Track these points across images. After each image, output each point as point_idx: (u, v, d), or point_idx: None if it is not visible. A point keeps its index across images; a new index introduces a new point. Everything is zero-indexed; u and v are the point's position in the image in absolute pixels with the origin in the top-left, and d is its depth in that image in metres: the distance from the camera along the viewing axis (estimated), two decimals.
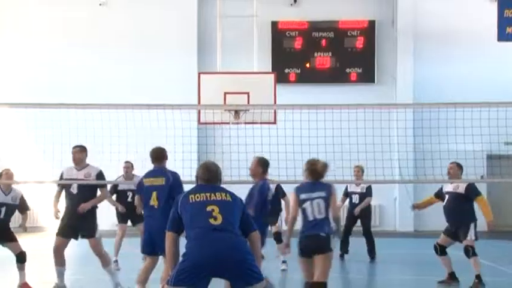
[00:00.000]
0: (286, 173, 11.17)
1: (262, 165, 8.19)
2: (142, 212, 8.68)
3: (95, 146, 12.93)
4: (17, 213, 9.83)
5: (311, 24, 19.44)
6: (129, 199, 11.83)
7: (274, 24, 19.34)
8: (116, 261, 11.47)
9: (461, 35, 19.09)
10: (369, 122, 11.59)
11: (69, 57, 18.92)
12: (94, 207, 9.31)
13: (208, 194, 5.56)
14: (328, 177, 10.51)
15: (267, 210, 8.04)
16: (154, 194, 8.25)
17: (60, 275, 9.15)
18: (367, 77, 19.45)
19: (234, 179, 10.62)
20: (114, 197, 12.02)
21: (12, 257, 9.72)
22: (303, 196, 7.34)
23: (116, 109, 11.51)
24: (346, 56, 19.41)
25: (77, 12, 19.14)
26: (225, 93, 12.23)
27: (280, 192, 11.36)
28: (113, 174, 11.58)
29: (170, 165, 10.57)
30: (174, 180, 8.36)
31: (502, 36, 15.35)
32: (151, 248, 8.25)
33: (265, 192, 7.89)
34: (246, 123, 12.04)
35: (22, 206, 9.87)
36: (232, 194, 5.70)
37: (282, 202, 11.55)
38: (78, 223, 9.09)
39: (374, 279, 11.67)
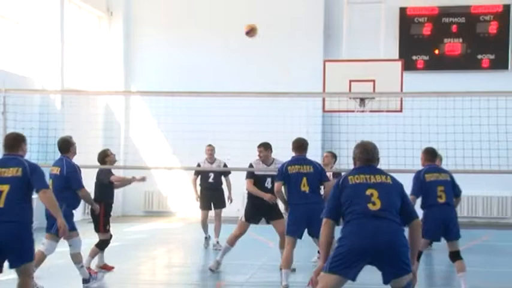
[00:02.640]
0: (413, 162, 10.93)
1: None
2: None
3: (222, 133, 13.27)
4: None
5: (441, 9, 18.83)
6: (211, 180, 12.34)
7: (402, 10, 18.90)
8: (206, 237, 12.33)
9: None
10: (502, 110, 11.10)
11: (197, 45, 19.33)
12: None
13: (367, 176, 5.31)
14: (458, 167, 10.25)
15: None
16: (304, 179, 8.35)
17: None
18: (500, 63, 18.61)
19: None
20: (199, 179, 12.44)
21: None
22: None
23: (241, 97, 11.70)
24: (478, 42, 18.66)
25: (204, 4, 19.51)
26: (350, 81, 12.13)
27: None
28: (242, 161, 11.76)
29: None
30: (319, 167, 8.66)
31: None
32: (298, 228, 8.33)
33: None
34: (371, 111, 11.88)
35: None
36: (392, 177, 5.41)
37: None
38: None
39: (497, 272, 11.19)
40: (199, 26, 19.37)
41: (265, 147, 9.79)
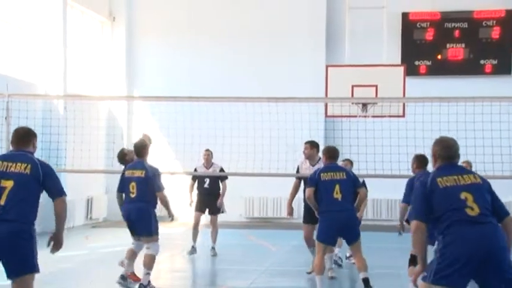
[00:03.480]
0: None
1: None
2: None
3: (224, 138, 13.27)
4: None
5: (444, 14, 18.83)
6: (206, 185, 12.09)
7: (404, 15, 18.90)
8: (193, 246, 11.87)
9: None
10: (505, 115, 11.09)
11: (199, 50, 19.37)
12: None
13: (457, 177, 4.93)
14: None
15: None
16: (337, 186, 8.24)
17: None
18: (503, 68, 18.60)
19: (362, 173, 10.49)
20: (195, 184, 12.18)
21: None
22: None
23: (244, 102, 11.72)
24: (480, 47, 18.65)
25: (206, 5, 19.56)
26: (353, 86, 12.13)
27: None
28: (239, 166, 11.77)
29: (298, 157, 10.67)
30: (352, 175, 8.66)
31: None
32: (330, 236, 8.28)
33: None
34: (374, 116, 11.88)
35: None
36: (479, 175, 5.05)
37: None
38: None
39: None
40: (202, 31, 19.40)
41: (312, 145, 9.73)
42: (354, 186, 8.44)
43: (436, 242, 4.89)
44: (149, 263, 8.58)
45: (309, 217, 9.32)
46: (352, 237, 8.28)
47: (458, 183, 4.90)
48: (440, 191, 4.90)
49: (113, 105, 18.89)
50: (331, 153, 8.61)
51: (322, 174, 8.36)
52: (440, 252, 4.79)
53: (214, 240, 12.07)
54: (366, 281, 8.11)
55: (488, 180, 5.10)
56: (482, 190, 4.93)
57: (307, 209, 9.34)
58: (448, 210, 4.83)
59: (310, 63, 18.42)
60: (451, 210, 4.82)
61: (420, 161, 8.45)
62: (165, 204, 8.90)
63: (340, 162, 9.33)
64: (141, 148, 8.85)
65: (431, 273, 4.78)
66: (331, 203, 8.23)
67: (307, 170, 9.56)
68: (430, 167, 9.27)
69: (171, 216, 9.18)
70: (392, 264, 10.63)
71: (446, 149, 5.09)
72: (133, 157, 9.22)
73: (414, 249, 5.14)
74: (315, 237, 8.81)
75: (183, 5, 19.65)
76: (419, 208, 5.00)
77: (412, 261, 7.52)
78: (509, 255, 4.78)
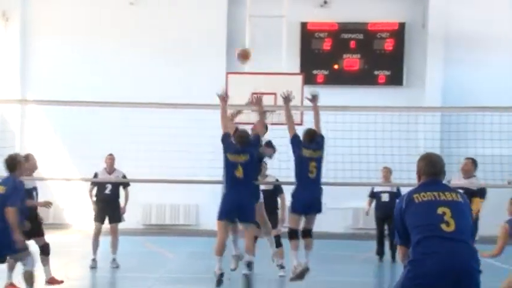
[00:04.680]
0: None
1: None
2: None
3: (123, 144, 13.08)
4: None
5: (340, 25, 19.37)
6: (107, 191, 11.72)
7: (303, 25, 19.30)
8: (94, 259, 11.48)
9: (492, 39, 18.88)
10: (396, 125, 11.52)
11: (97, 56, 19.05)
12: None
13: (436, 193, 4.72)
14: (353, 179, 10.55)
15: None
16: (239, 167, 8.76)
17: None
18: (396, 79, 19.32)
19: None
20: (94, 190, 11.85)
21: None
22: None
23: (144, 107, 11.59)
24: (375, 58, 19.30)
25: (107, 10, 19.27)
26: (253, 94, 12.23)
27: (278, 190, 11.02)
28: (139, 172, 11.63)
29: (197, 164, 10.65)
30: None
31: None
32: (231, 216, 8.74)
33: None
34: (272, 123, 12.02)
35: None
36: (462, 195, 4.85)
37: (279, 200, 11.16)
38: None
39: None
40: (99, 33, 19.09)
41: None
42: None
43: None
44: (28, 279, 8.34)
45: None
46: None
47: (437, 198, 4.72)
48: (416, 206, 4.73)
49: (5, 109, 18.22)
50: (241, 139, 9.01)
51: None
52: (410, 264, 4.65)
53: (115, 250, 11.63)
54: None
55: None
56: (463, 209, 4.74)
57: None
58: (422, 225, 4.65)
59: (210, 70, 18.45)
60: (425, 225, 4.64)
61: None
62: (12, 222, 8.12)
63: None
64: (10, 162, 8.41)
65: (399, 284, 4.68)
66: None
67: None
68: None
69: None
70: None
71: (430, 166, 4.92)
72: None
73: None
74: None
75: (80, 5, 19.25)
76: (400, 232, 4.86)
77: None
78: (479, 279, 4.63)
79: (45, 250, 9.59)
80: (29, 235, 9.32)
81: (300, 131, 11.03)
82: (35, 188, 9.62)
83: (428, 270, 4.52)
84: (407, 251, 4.76)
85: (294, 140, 9.16)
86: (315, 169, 9.04)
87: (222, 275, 8.63)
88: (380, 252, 13.23)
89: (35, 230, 9.41)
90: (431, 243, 4.58)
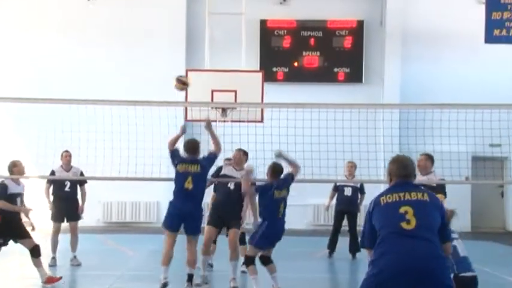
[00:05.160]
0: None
1: None
2: None
3: (80, 142, 12.92)
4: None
5: (300, 23, 19.46)
6: (67, 189, 11.60)
7: (262, 22, 19.34)
8: (54, 258, 11.40)
9: (449, 36, 19.19)
10: (356, 121, 11.59)
11: (56, 52, 18.83)
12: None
13: (401, 194, 4.85)
14: (315, 176, 10.60)
15: None
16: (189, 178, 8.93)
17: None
18: (355, 76, 19.50)
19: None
20: (51, 189, 11.67)
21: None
22: None
23: (102, 104, 11.47)
24: (334, 56, 19.45)
25: (64, 7, 19.04)
26: (213, 91, 12.21)
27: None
28: (97, 169, 11.50)
29: (156, 161, 10.60)
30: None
31: (490, 39, 15.40)
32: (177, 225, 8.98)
33: None
34: (233, 121, 12.01)
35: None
36: (430, 194, 4.95)
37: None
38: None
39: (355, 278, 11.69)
40: (54, 28, 18.85)
41: (244, 152, 10.17)
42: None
43: None
44: None
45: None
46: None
47: (401, 199, 4.83)
48: (381, 208, 4.87)
49: None
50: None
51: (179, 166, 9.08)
52: (371, 264, 4.76)
53: (75, 248, 11.53)
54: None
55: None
56: (428, 207, 4.81)
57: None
58: (385, 225, 4.77)
59: (170, 67, 18.30)
60: (387, 225, 4.76)
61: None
62: None
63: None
64: None
65: (360, 286, 4.80)
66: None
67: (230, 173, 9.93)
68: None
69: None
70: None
71: (401, 168, 5.04)
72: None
73: None
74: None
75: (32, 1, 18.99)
76: (367, 235, 4.98)
77: None
78: (446, 273, 4.68)
79: (35, 252, 9.51)
80: (13, 237, 9.27)
81: (260, 129, 11.11)
82: (20, 194, 9.66)
83: (388, 269, 4.60)
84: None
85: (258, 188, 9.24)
86: (283, 208, 9.15)
87: (165, 284, 8.79)
88: (332, 247, 13.15)
89: (19, 232, 9.43)
90: (391, 242, 4.68)
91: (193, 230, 8.93)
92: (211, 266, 10.81)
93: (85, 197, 11.81)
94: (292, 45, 19.41)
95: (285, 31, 19.47)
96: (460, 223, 9.81)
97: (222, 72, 13.02)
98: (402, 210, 4.74)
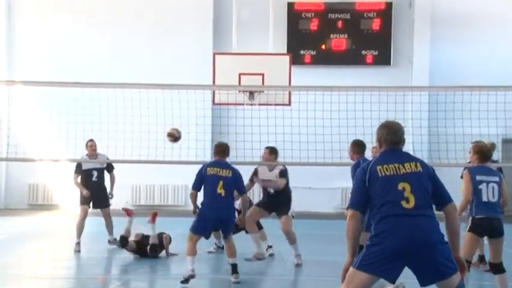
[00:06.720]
0: (300, 154, 11.17)
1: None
2: None
3: (109, 125, 13.04)
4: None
5: (327, 5, 19.31)
6: (94, 178, 11.51)
7: (290, 5, 19.23)
8: (78, 243, 11.25)
9: (478, 18, 18.90)
10: (384, 104, 11.54)
11: (84, 35, 18.92)
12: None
13: (397, 166, 4.86)
14: (343, 160, 10.58)
15: None
16: (221, 182, 8.59)
17: None
18: (383, 59, 19.32)
19: (248, 160, 10.64)
20: (79, 178, 11.58)
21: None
22: (478, 177, 7.43)
23: (130, 88, 11.55)
24: (362, 38, 19.28)
25: None
26: (240, 74, 12.21)
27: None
28: (126, 153, 11.59)
29: (184, 145, 10.65)
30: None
31: None
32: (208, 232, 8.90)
33: None
34: (260, 104, 12.02)
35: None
36: (422, 163, 4.96)
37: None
38: None
39: None
40: (84, 13, 18.98)
41: (271, 151, 9.92)
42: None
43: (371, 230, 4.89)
44: None
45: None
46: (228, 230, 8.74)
47: (397, 172, 4.85)
48: (380, 181, 4.84)
49: None
50: (218, 149, 8.87)
51: (208, 169, 8.68)
52: (371, 240, 4.80)
53: (111, 231, 11.61)
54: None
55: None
56: (422, 179, 4.87)
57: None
58: (385, 203, 4.79)
59: (197, 51, 18.41)
60: (387, 203, 4.78)
61: (358, 145, 8.78)
62: None
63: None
64: None
65: (358, 260, 4.79)
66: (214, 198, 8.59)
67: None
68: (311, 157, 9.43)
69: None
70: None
71: (391, 134, 5.02)
72: None
73: (347, 238, 4.97)
74: None
75: None
76: (357, 198, 4.95)
77: None
78: (445, 249, 4.74)
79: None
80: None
81: (288, 112, 11.06)
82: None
83: (387, 246, 4.70)
84: (360, 217, 4.89)
85: None
86: None
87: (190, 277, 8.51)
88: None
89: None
90: (392, 220, 4.75)
91: (229, 231, 8.80)
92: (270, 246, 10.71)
93: (114, 183, 11.82)
94: (320, 27, 19.29)
95: (313, 13, 19.34)
96: None
97: (249, 56, 12.99)
98: (400, 187, 4.80)
